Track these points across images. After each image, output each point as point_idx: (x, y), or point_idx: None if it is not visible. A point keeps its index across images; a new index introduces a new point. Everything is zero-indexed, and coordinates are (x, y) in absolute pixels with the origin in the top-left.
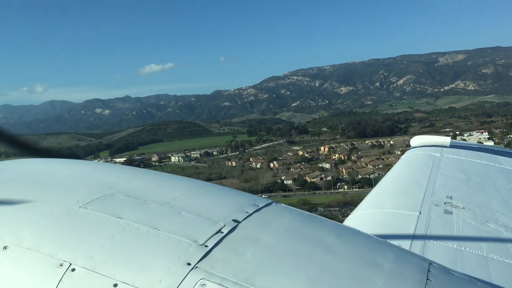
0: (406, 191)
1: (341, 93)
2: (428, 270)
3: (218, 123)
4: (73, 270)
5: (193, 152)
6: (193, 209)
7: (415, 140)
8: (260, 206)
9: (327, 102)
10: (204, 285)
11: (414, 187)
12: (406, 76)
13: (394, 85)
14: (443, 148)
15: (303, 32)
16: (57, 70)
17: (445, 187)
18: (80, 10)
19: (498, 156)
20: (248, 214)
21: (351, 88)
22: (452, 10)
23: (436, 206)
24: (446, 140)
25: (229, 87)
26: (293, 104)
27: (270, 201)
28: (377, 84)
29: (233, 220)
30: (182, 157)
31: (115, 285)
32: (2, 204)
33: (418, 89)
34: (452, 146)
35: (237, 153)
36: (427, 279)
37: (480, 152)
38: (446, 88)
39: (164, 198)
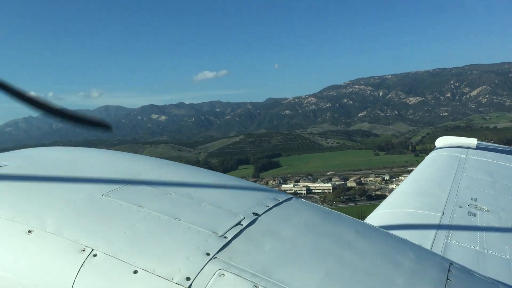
0: (429, 192)
1: (410, 103)
2: (449, 270)
3: (314, 135)
4: (94, 255)
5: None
6: (214, 201)
7: (441, 141)
8: (281, 200)
9: (396, 112)
10: (222, 275)
11: (437, 187)
12: (480, 87)
13: (467, 96)
14: (469, 150)
15: (360, 40)
16: (111, 75)
17: (470, 189)
18: (137, 18)
19: None
20: (268, 207)
21: (420, 98)
22: None
23: (459, 207)
24: (473, 141)
25: (283, 94)
26: (360, 114)
27: (290, 196)
28: (448, 94)
29: (253, 213)
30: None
31: (135, 271)
32: (28, 190)
33: (495, 100)
34: (478, 148)
35: None
36: (447, 279)
37: (508, 155)
38: None
39: (185, 189)
